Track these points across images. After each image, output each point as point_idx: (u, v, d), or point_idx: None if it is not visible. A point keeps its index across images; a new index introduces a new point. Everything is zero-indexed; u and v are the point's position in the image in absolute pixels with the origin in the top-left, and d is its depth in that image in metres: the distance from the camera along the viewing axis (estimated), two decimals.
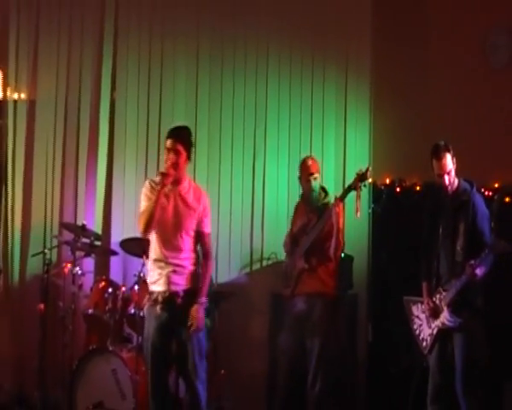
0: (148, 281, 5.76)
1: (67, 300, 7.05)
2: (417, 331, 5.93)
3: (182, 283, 5.65)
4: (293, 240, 6.64)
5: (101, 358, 6.56)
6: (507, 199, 7.26)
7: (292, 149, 7.69)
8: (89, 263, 7.48)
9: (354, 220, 6.80)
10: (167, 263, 5.62)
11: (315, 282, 6.38)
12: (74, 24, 8.00)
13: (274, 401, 6.79)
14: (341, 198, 6.39)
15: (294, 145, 7.70)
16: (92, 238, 7.19)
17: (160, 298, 5.60)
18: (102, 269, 7.65)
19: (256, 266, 7.54)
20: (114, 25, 7.96)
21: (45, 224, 7.89)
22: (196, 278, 5.70)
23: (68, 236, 7.28)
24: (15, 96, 8.06)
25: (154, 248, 5.67)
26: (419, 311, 5.92)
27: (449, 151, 5.73)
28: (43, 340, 6.95)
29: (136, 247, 6.97)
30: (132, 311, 6.71)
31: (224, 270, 7.50)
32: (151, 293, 5.67)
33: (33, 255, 7.58)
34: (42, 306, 6.95)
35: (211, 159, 7.77)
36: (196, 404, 5.68)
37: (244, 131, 7.77)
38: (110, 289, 6.84)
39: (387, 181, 7.55)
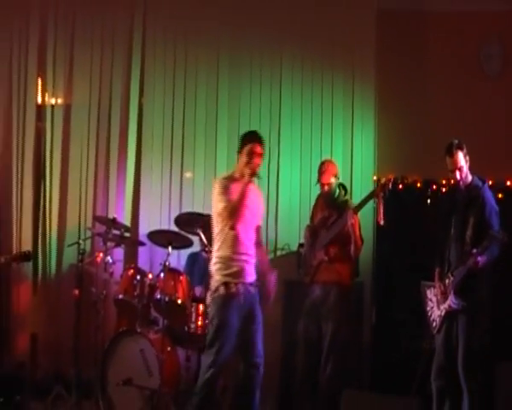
0: (222, 273, 5.65)
1: (100, 286, 7.03)
2: (429, 313, 5.91)
3: (253, 273, 5.77)
4: (312, 232, 6.61)
5: (130, 339, 6.56)
6: (499, 195, 7.25)
7: (303, 149, 7.66)
8: (119, 253, 7.49)
9: (361, 215, 6.74)
10: (246, 256, 5.71)
11: (332, 272, 6.37)
12: (106, 36, 8.01)
13: (289, 383, 6.77)
14: (356, 211, 6.32)
15: (305, 146, 7.67)
16: (122, 230, 7.22)
17: (240, 289, 5.64)
18: (131, 258, 7.69)
19: (270, 256, 7.42)
20: (142, 37, 7.96)
21: (80, 217, 7.93)
22: None
23: (100, 228, 7.27)
24: (53, 101, 8.10)
25: (233, 243, 5.66)
26: (432, 294, 5.90)
27: (461, 149, 5.73)
28: (77, 322, 6.93)
29: (162, 238, 7.01)
30: (158, 296, 6.66)
31: None
32: (227, 284, 5.63)
33: (69, 246, 7.59)
34: (77, 291, 6.94)
35: (229, 159, 7.66)
36: (257, 384, 5.73)
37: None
38: (138, 277, 6.82)
39: (391, 179, 7.46)
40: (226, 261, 5.65)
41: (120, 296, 6.86)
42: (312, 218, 6.79)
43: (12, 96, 8.09)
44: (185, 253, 7.37)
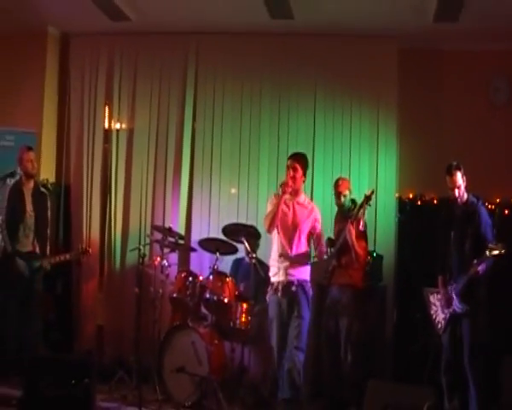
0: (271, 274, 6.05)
1: (157, 286, 7.03)
2: (433, 316, 5.92)
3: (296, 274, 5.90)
4: (329, 243, 6.51)
5: (183, 332, 6.56)
6: (506, 211, 7.19)
7: (334, 169, 7.58)
8: (174, 257, 7.46)
9: (385, 227, 6.74)
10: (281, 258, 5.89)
11: (344, 276, 6.31)
12: (164, 70, 8.05)
13: (320, 369, 6.70)
14: (352, 222, 6.19)
15: (336, 166, 7.60)
16: (176, 238, 7.21)
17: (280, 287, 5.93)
18: (184, 262, 7.68)
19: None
20: (195, 71, 7.98)
21: (140, 226, 7.97)
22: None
23: (158, 235, 7.27)
24: (118, 126, 8.14)
25: (277, 247, 5.91)
26: (435, 299, 5.91)
27: (459, 170, 5.76)
28: (138, 316, 6.94)
29: (211, 245, 7.03)
30: (208, 296, 6.65)
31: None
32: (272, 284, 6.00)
33: (131, 250, 7.65)
34: (137, 290, 6.96)
35: (270, 177, 7.70)
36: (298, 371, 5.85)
37: None
38: (190, 278, 6.81)
39: (410, 195, 7.47)
40: (272, 263, 6.10)
41: (175, 295, 6.86)
42: (334, 229, 6.73)
43: (83, 122, 8.18)
44: (231, 258, 7.32)
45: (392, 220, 7.21)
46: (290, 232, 5.93)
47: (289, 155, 6.06)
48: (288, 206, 6.00)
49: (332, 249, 6.39)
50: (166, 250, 7.12)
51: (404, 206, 7.44)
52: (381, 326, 7.03)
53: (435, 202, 7.40)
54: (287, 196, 5.95)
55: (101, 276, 7.99)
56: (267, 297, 6.09)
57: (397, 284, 7.33)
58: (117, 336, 7.83)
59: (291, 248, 5.95)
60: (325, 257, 6.35)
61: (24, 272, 6.64)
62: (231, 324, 6.58)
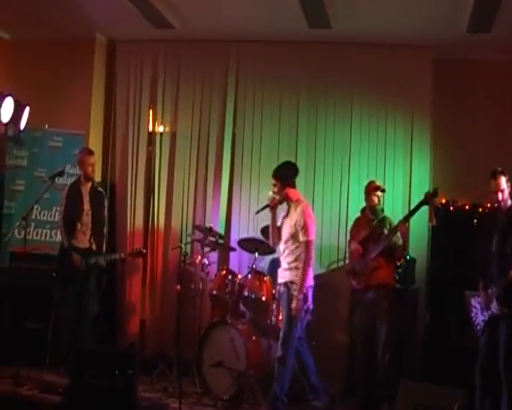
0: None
1: (197, 283, 7.11)
2: (474, 318, 5.85)
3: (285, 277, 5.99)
4: (361, 245, 6.52)
5: (222, 328, 6.62)
6: None
7: (369, 173, 7.54)
8: (214, 256, 7.56)
9: (417, 231, 6.73)
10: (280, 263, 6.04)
11: (379, 276, 6.32)
12: (206, 76, 8.11)
13: (353, 367, 6.76)
14: (405, 220, 6.30)
15: (371, 171, 7.57)
16: (217, 237, 7.29)
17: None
18: (224, 261, 7.73)
19: (340, 264, 7.50)
20: (236, 77, 8.03)
21: (182, 225, 8.03)
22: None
23: (199, 235, 7.35)
24: (161, 129, 8.22)
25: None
26: (476, 302, 5.83)
27: (504, 175, 5.72)
28: (179, 312, 7.00)
29: (250, 245, 7.11)
30: (246, 294, 6.73)
31: (316, 265, 7.34)
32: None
33: (173, 249, 7.69)
34: (179, 287, 7.01)
35: (307, 181, 7.70)
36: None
37: (333, 160, 7.71)
38: (229, 277, 6.88)
39: (443, 201, 7.44)
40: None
41: (214, 292, 6.92)
42: (355, 235, 6.69)
43: (128, 125, 8.27)
44: (268, 258, 7.40)
45: (425, 225, 7.17)
46: (283, 239, 6.14)
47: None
48: (286, 215, 6.19)
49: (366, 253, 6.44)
50: (207, 249, 7.21)
51: (436, 211, 7.31)
52: (413, 328, 7.03)
53: (467, 207, 7.39)
54: (275, 209, 6.22)
55: (144, 273, 8.06)
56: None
57: (429, 287, 7.30)
58: (158, 331, 7.92)
59: (284, 253, 6.14)
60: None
61: (80, 268, 6.74)
62: (268, 321, 6.63)
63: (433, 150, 7.56)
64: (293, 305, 5.89)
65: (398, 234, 6.34)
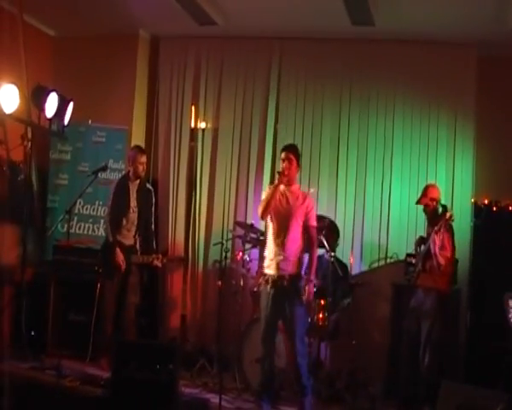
0: (261, 264, 5.82)
1: (238, 279, 7.15)
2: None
3: (288, 268, 5.62)
4: (420, 244, 6.53)
5: None
6: None
7: (412, 172, 7.56)
8: (255, 253, 7.54)
9: (460, 232, 6.68)
10: (276, 251, 5.62)
11: (429, 280, 6.29)
12: (248, 73, 8.17)
13: (394, 367, 6.71)
14: (436, 231, 6.20)
15: (413, 169, 7.57)
16: (258, 234, 7.26)
17: (270, 280, 5.63)
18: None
19: (381, 263, 7.48)
20: (278, 74, 8.07)
21: (223, 221, 8.09)
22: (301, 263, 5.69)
23: (240, 231, 7.37)
24: (203, 125, 8.26)
25: (268, 239, 5.71)
26: None
27: None
28: (219, 308, 7.07)
29: None
30: None
31: (357, 264, 7.47)
32: (264, 275, 5.70)
33: (214, 245, 7.74)
34: (220, 282, 7.10)
35: (349, 178, 7.73)
36: (296, 372, 5.66)
37: (375, 157, 7.69)
38: None
39: (486, 201, 7.32)
40: (266, 254, 5.79)
41: (255, 289, 6.87)
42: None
43: (171, 120, 8.35)
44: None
45: (468, 225, 7.17)
46: (284, 220, 5.66)
47: (282, 147, 5.91)
48: (282, 195, 5.75)
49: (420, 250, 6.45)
50: (248, 246, 7.23)
51: (479, 211, 7.31)
52: (455, 329, 7.01)
53: (511, 208, 7.25)
54: (282, 186, 5.74)
55: (186, 268, 8.10)
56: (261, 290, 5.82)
57: (471, 288, 7.26)
58: (199, 326, 8.00)
59: (284, 236, 5.64)
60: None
61: (122, 267, 6.80)
62: (309, 319, 6.48)
63: (477, 149, 7.51)
64: (310, 296, 5.71)
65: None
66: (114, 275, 6.82)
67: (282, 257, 5.61)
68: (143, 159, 7.01)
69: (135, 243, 6.97)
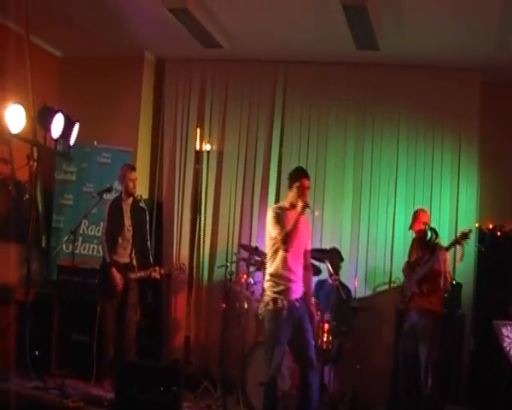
0: (272, 290, 5.52)
1: (242, 302, 7.17)
2: (507, 348, 5.79)
3: (299, 290, 5.62)
4: (410, 268, 6.60)
5: None
6: None
7: (416, 196, 7.62)
8: (259, 276, 7.45)
9: (464, 256, 6.66)
10: (293, 275, 5.56)
11: (424, 302, 6.34)
12: (253, 97, 8.25)
13: (397, 391, 6.70)
14: (447, 249, 6.34)
15: (418, 194, 7.63)
16: (262, 257, 7.14)
17: (285, 304, 5.47)
18: None
19: (385, 287, 7.52)
20: (283, 98, 8.16)
21: (227, 244, 8.13)
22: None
23: (245, 254, 7.40)
24: (208, 147, 8.33)
25: (282, 264, 5.52)
26: (508, 331, 5.77)
27: None
28: (223, 330, 7.09)
29: None
30: None
31: (362, 288, 7.50)
32: (275, 299, 5.48)
33: (219, 267, 7.81)
34: (224, 305, 7.12)
35: (354, 202, 7.79)
36: (311, 381, 5.53)
37: (380, 181, 7.76)
38: None
39: (490, 226, 7.43)
40: (276, 280, 5.55)
41: (260, 315, 6.70)
42: (409, 256, 6.77)
43: (176, 142, 8.41)
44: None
45: (472, 250, 7.20)
46: (299, 247, 5.65)
47: (302, 172, 5.75)
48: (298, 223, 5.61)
49: (411, 274, 6.50)
50: (252, 268, 7.25)
51: (483, 236, 7.41)
52: (459, 353, 7.03)
53: None
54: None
55: (190, 289, 8.15)
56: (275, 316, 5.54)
57: (475, 313, 7.30)
58: (203, 348, 8.02)
59: (298, 262, 5.64)
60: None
61: (120, 286, 6.84)
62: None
63: (481, 174, 7.58)
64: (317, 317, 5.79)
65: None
66: (113, 295, 6.85)
67: (294, 282, 5.59)
68: (133, 175, 7.04)
69: (131, 260, 7.00)
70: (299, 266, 5.64)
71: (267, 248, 5.68)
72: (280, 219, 5.53)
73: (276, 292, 5.53)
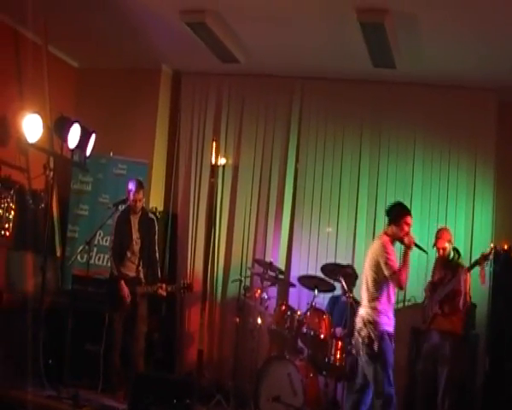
0: (380, 322, 5.60)
1: (256, 317, 7.21)
2: None
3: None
4: (432, 288, 6.66)
5: (280, 363, 6.70)
6: None
7: (431, 216, 7.67)
8: (273, 291, 7.67)
9: (478, 277, 6.78)
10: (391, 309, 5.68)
11: (446, 322, 6.40)
12: (269, 112, 8.33)
13: None
14: (469, 270, 6.41)
15: (433, 213, 7.68)
16: (277, 272, 7.40)
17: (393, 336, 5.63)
18: (283, 296, 7.83)
19: (400, 306, 7.50)
20: (299, 114, 8.23)
21: (242, 258, 8.19)
22: None
23: (259, 269, 7.47)
24: (223, 161, 8.40)
25: (388, 298, 5.62)
26: None
27: None
28: (237, 344, 7.14)
29: (310, 282, 7.19)
30: (305, 330, 6.81)
31: None
32: (388, 332, 5.59)
33: (233, 281, 7.87)
34: (237, 319, 7.19)
35: (368, 220, 7.85)
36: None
37: (395, 199, 7.37)
38: (289, 312, 6.96)
39: (505, 247, 7.41)
40: (386, 313, 5.63)
41: (273, 327, 7.01)
42: (432, 276, 6.81)
43: (192, 156, 8.49)
44: (327, 295, 7.44)
45: (487, 270, 7.10)
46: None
47: (406, 209, 5.88)
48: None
49: (434, 294, 6.55)
50: (266, 283, 7.31)
51: (498, 256, 7.34)
52: (473, 374, 7.06)
53: None
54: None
55: (204, 303, 8.19)
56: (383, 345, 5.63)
57: (489, 334, 7.31)
58: (216, 361, 8.07)
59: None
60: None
61: (127, 300, 6.87)
62: (326, 359, 6.69)
63: (497, 194, 7.62)
64: None
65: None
66: (121, 307, 6.88)
67: (392, 316, 5.71)
68: (140, 196, 7.03)
69: (139, 273, 7.04)
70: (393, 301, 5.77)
71: (373, 280, 5.68)
72: (394, 258, 5.63)
73: (384, 324, 5.62)
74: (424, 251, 6.02)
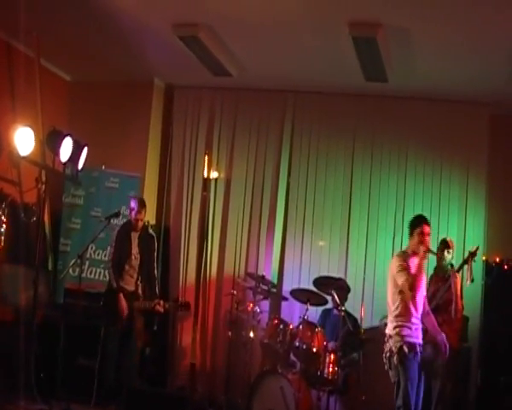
0: (402, 334, 5.52)
1: (248, 330, 7.23)
2: None
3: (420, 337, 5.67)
4: (427, 301, 6.63)
5: (272, 377, 6.71)
6: None
7: None
8: (265, 304, 7.68)
9: (471, 289, 6.80)
10: (415, 321, 5.61)
11: None
12: (261, 126, 8.37)
13: None
14: (457, 271, 6.45)
15: None
16: (269, 286, 7.44)
17: (418, 348, 5.54)
18: (276, 310, 7.85)
19: None
20: (291, 128, 8.29)
21: (234, 272, 8.19)
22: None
23: (251, 282, 7.49)
24: (216, 175, 8.43)
25: (406, 310, 5.55)
26: None
27: None
28: (229, 359, 7.16)
29: (302, 295, 7.21)
30: (297, 344, 6.81)
31: (368, 318, 7.45)
32: (410, 344, 5.49)
33: (225, 295, 7.87)
34: (230, 333, 7.20)
35: (360, 234, 7.88)
36: None
37: (387, 214, 7.85)
38: (281, 326, 6.97)
39: (497, 259, 7.50)
40: (403, 325, 5.55)
41: (266, 341, 7.02)
42: (428, 289, 6.58)
43: (184, 169, 8.52)
44: (319, 308, 7.47)
45: (479, 283, 7.26)
46: (421, 295, 5.70)
47: (423, 219, 5.78)
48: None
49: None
50: (259, 297, 7.33)
51: (490, 269, 7.47)
52: (465, 387, 7.08)
53: None
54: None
55: (196, 316, 8.19)
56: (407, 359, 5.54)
57: (481, 346, 7.33)
58: (208, 375, 8.05)
59: (420, 309, 5.72)
60: None
61: (124, 311, 6.88)
62: (319, 373, 6.71)
63: (488, 207, 7.67)
64: None
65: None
66: (117, 321, 6.89)
67: (417, 327, 5.64)
68: (141, 215, 7.06)
69: (137, 288, 7.05)
70: (419, 312, 5.68)
71: (391, 295, 5.68)
72: (405, 266, 5.59)
73: (404, 336, 5.55)
74: (435, 254, 6.01)
